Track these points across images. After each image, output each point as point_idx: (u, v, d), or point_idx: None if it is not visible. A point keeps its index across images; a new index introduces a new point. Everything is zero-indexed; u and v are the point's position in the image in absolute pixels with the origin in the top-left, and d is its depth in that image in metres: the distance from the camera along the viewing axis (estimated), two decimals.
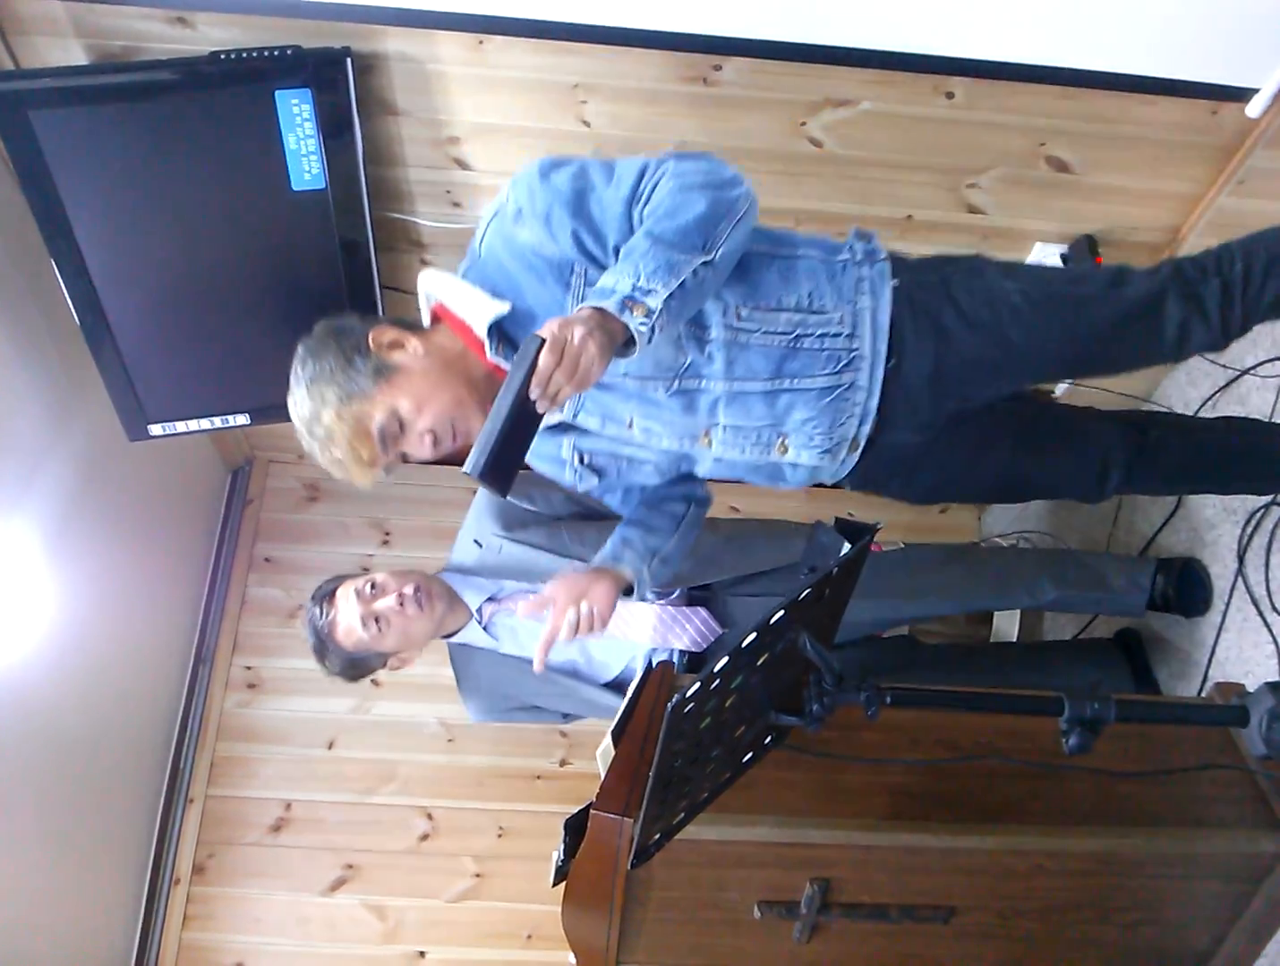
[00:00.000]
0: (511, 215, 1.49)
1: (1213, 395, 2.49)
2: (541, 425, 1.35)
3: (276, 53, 1.98)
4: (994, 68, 2.02)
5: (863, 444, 1.65)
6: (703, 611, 2.18)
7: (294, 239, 2.25)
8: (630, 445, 1.64)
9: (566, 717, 2.30)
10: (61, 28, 2.00)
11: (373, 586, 1.98)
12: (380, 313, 2.41)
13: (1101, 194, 2.31)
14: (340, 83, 2.01)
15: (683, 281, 1.35)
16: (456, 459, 1.54)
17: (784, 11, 1.94)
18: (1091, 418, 1.99)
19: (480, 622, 2.11)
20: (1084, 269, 1.71)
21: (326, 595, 2.02)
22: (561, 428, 1.64)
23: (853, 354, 1.57)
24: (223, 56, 1.98)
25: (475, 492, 2.22)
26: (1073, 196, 2.32)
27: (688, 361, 1.53)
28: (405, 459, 1.53)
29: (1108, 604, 2.50)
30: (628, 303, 1.31)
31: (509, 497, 1.98)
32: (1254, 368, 2.37)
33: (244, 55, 1.98)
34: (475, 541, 2.17)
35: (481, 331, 1.49)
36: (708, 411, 1.58)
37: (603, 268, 1.46)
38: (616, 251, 1.45)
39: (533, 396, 1.27)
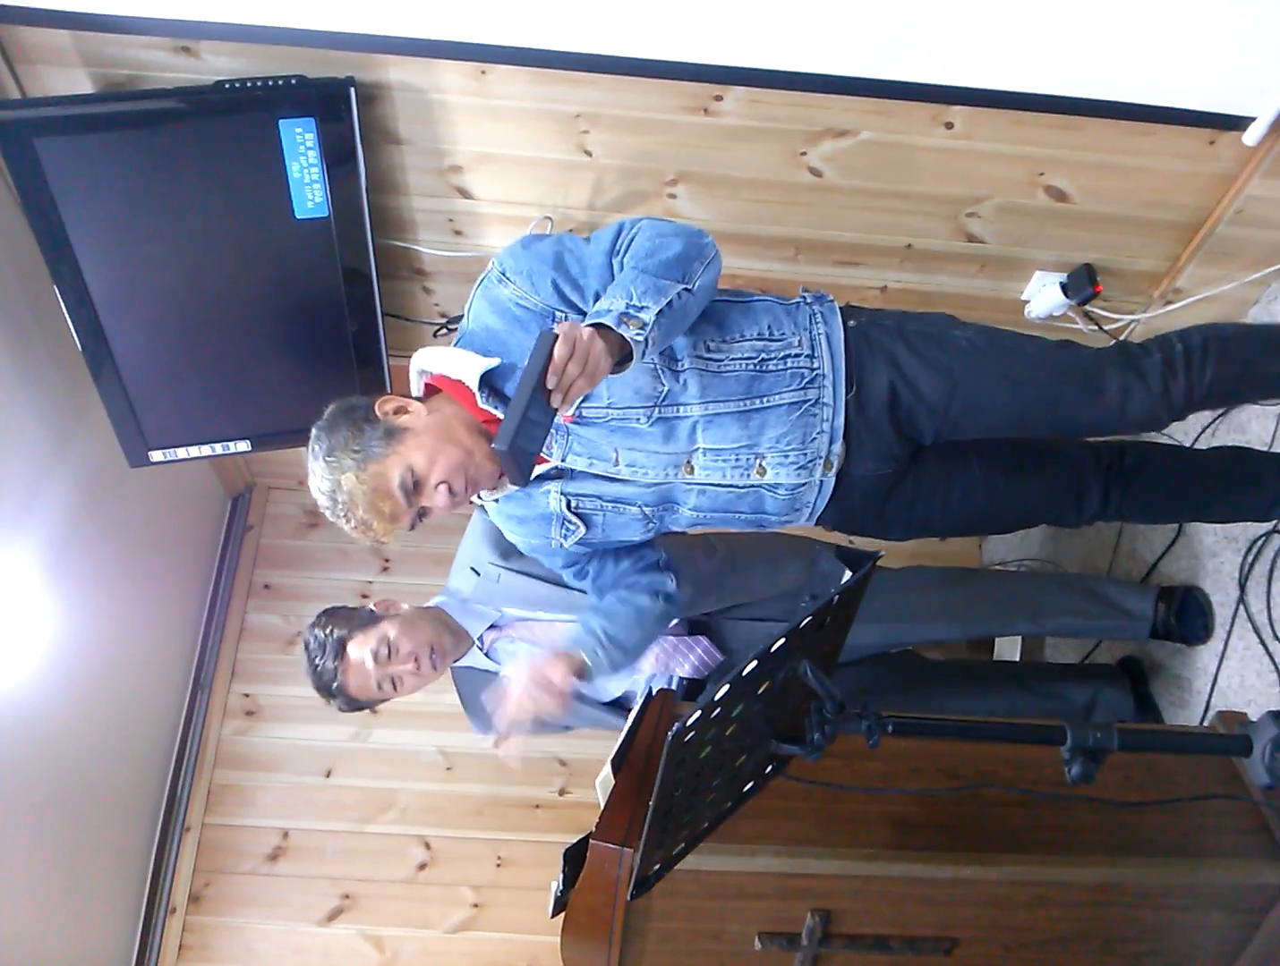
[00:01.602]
0: (495, 278, 1.64)
1: (1212, 422, 2.50)
2: (554, 420, 1.44)
3: (281, 82, 2.00)
4: (992, 97, 2.04)
5: (835, 464, 1.73)
6: (704, 640, 2.18)
7: (297, 266, 2.26)
8: (616, 482, 1.71)
9: (567, 728, 2.29)
10: (67, 57, 2.02)
11: (389, 649, 1.96)
12: (381, 338, 2.42)
13: (1100, 223, 2.32)
14: (344, 112, 2.02)
15: (669, 301, 1.48)
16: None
17: (784, 42, 1.96)
18: (1066, 443, 2.01)
19: (482, 649, 2.11)
20: (1034, 335, 1.85)
21: (336, 649, 1.96)
22: (548, 477, 1.71)
23: (814, 372, 1.68)
24: (227, 86, 2.00)
25: (470, 519, 2.22)
26: (1072, 225, 2.33)
27: (665, 390, 1.63)
28: (422, 516, 1.61)
29: (1110, 630, 2.50)
30: (624, 318, 1.43)
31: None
32: None
33: (248, 84, 1.99)
34: (473, 569, 2.17)
35: (473, 383, 1.59)
36: (687, 436, 1.67)
37: (581, 312, 1.58)
38: (597, 297, 1.57)
39: (549, 385, 1.35)
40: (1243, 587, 2.32)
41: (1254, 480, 2.07)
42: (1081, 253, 2.40)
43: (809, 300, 1.75)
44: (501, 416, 1.59)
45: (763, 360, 1.66)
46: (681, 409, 1.64)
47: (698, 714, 1.12)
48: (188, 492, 3.20)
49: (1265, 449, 2.30)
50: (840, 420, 1.70)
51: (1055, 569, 3.05)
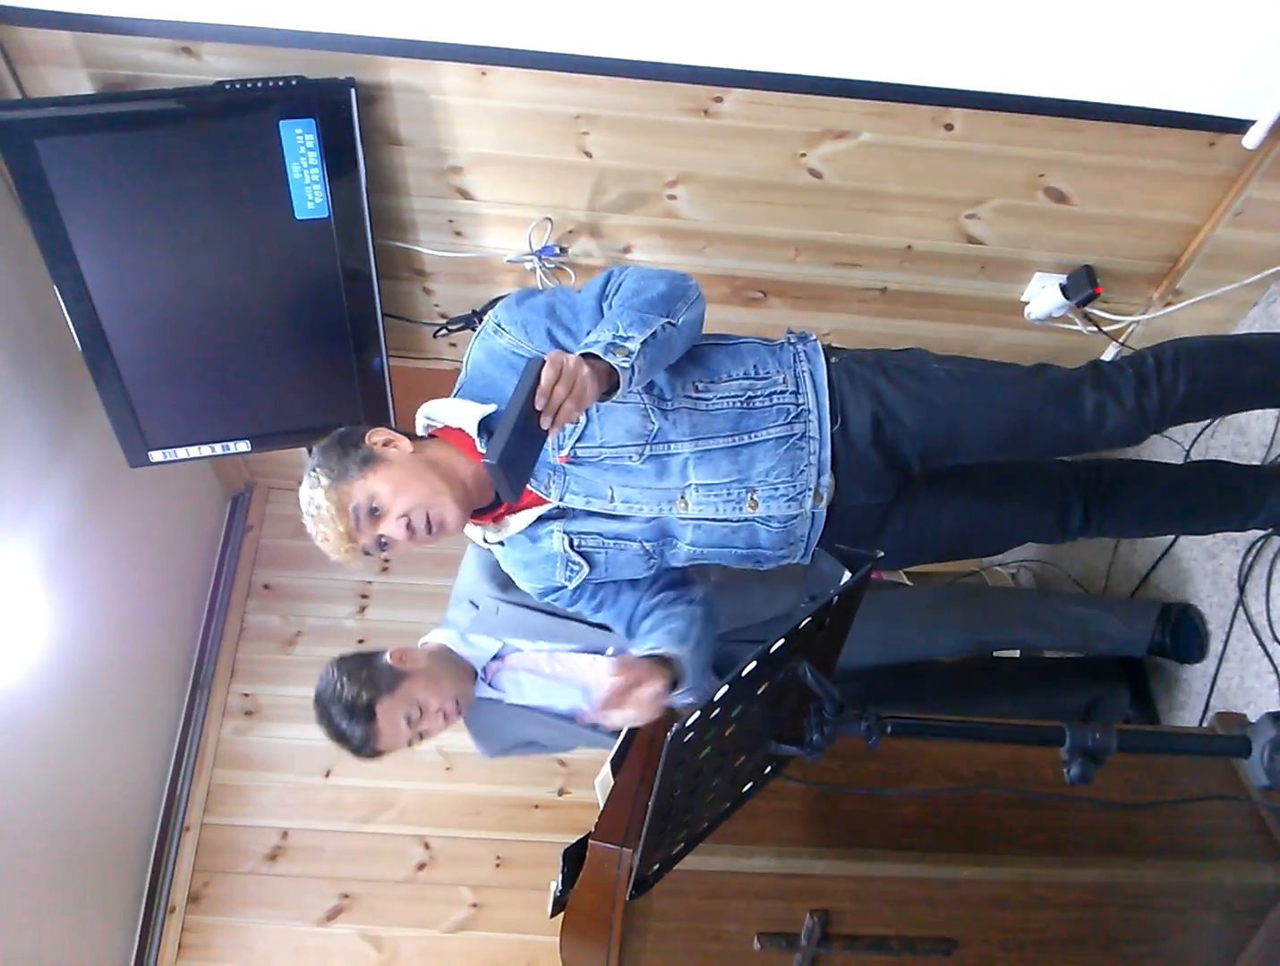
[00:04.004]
0: (492, 330, 1.68)
1: (1210, 424, 2.50)
2: (546, 442, 1.50)
3: (281, 83, 2.00)
4: (993, 99, 2.04)
5: (825, 496, 1.75)
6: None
7: (297, 267, 2.26)
8: (615, 519, 1.74)
9: (570, 748, 2.32)
10: (68, 57, 2.02)
11: (419, 710, 1.96)
12: (382, 339, 2.43)
13: (1100, 224, 2.33)
14: (344, 113, 2.02)
15: (654, 332, 1.54)
16: None
17: (783, 43, 1.96)
18: (1040, 465, 2.05)
19: (485, 679, 2.12)
20: (1010, 362, 1.88)
21: (367, 715, 1.92)
22: (549, 517, 1.73)
23: (800, 408, 1.73)
24: (227, 86, 2.00)
25: (466, 549, 2.24)
26: (1071, 227, 2.34)
27: (655, 428, 1.68)
28: (384, 546, 1.65)
29: (1108, 648, 2.52)
30: (610, 348, 1.50)
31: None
32: None
33: (249, 85, 2.00)
34: (471, 602, 2.18)
35: (471, 428, 1.65)
36: (679, 473, 1.70)
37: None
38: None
39: (538, 406, 1.40)
40: (1242, 589, 2.33)
41: (1229, 493, 2.11)
42: (1081, 254, 2.40)
43: (793, 340, 1.80)
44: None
45: (749, 397, 1.71)
46: (672, 446, 1.68)
47: (697, 715, 1.13)
48: (187, 492, 3.20)
49: (1264, 448, 2.31)
50: (826, 453, 1.73)
51: (1055, 570, 3.06)
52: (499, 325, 1.68)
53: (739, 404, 1.71)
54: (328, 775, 3.07)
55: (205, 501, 3.34)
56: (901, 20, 1.90)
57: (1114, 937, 1.81)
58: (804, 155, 2.20)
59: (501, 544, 1.78)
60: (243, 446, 2.54)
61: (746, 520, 1.74)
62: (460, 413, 1.69)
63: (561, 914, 1.74)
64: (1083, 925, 1.78)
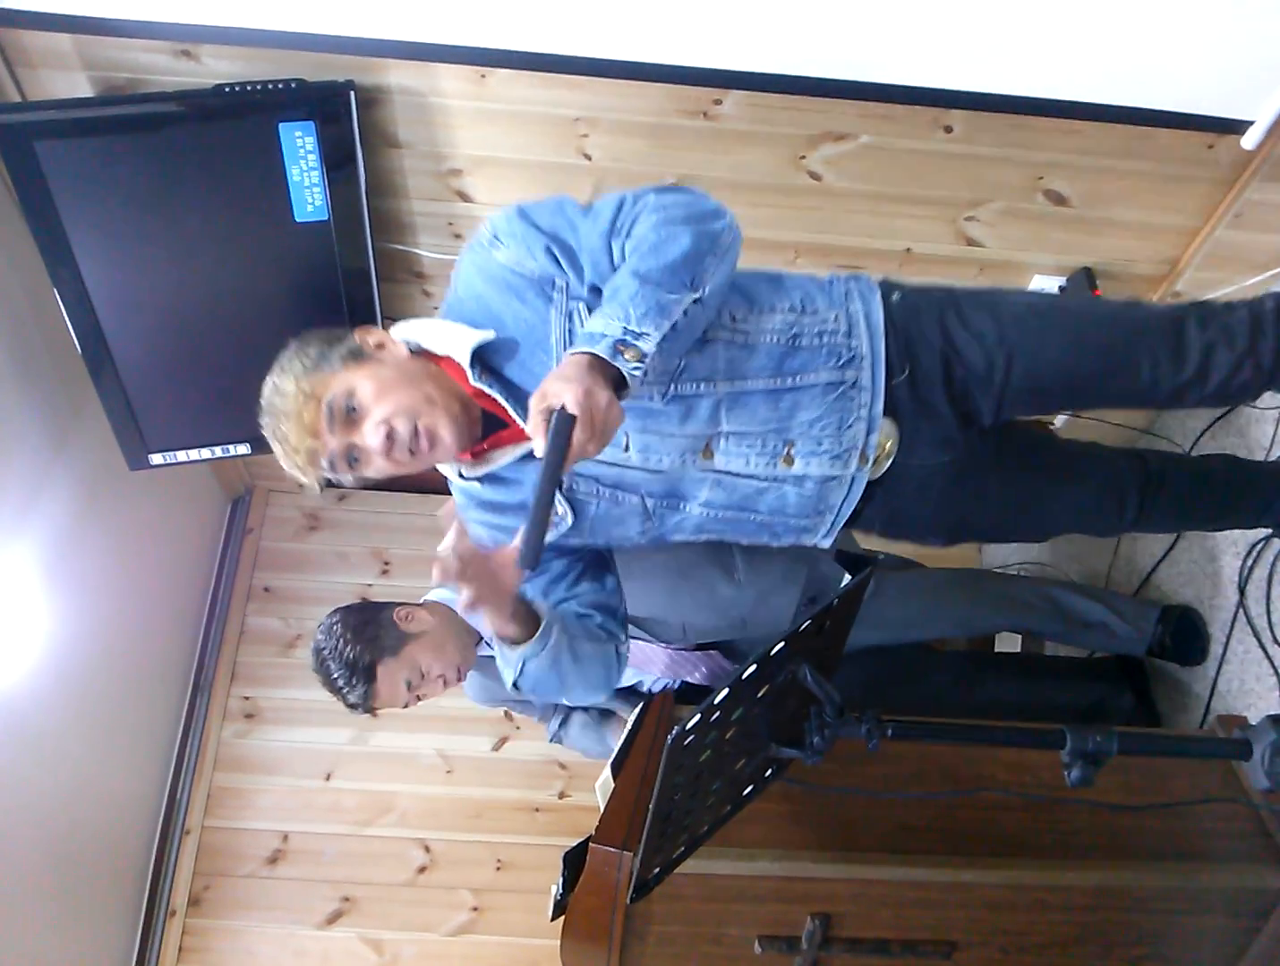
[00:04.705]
0: (487, 241, 1.47)
1: (1210, 426, 2.50)
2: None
3: (280, 86, 2.00)
4: (992, 101, 2.04)
5: (871, 457, 1.56)
6: (717, 654, 2.18)
7: (296, 270, 2.26)
8: (626, 468, 1.52)
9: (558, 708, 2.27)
10: (67, 60, 2.02)
11: (421, 675, 1.93)
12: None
13: (1099, 226, 2.33)
14: (343, 115, 2.02)
15: (674, 323, 1.32)
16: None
17: (783, 45, 1.96)
18: (1099, 449, 1.97)
19: (490, 642, 2.11)
20: (1101, 297, 1.66)
21: (367, 674, 1.87)
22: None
23: (852, 352, 1.52)
24: (227, 89, 2.00)
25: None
26: (1071, 229, 2.33)
27: (683, 362, 1.45)
28: (353, 461, 1.45)
29: (1108, 645, 2.52)
30: (619, 347, 1.27)
31: None
32: None
33: (248, 88, 2.00)
34: None
35: (464, 358, 1.45)
36: (709, 417, 1.49)
37: (581, 282, 1.45)
38: (595, 290, 1.44)
39: (566, 471, 1.25)
40: (1242, 591, 2.32)
41: (1247, 485, 2.07)
42: (1080, 256, 2.40)
43: (843, 276, 1.60)
44: (493, 393, 1.47)
45: (794, 335, 1.49)
46: (702, 386, 1.46)
47: (697, 717, 1.12)
48: (187, 495, 3.20)
49: (1264, 451, 2.31)
50: (879, 407, 1.53)
51: (1055, 573, 3.05)
52: (495, 236, 1.46)
53: (783, 342, 1.49)
54: (328, 778, 3.06)
55: (205, 504, 3.34)
56: (901, 22, 1.90)
57: (1114, 941, 1.80)
58: (804, 157, 2.20)
59: (480, 482, 1.56)
60: (242, 449, 2.54)
61: (777, 479, 1.54)
62: (450, 337, 1.47)
63: (562, 917, 1.74)
64: (1083, 928, 1.78)
